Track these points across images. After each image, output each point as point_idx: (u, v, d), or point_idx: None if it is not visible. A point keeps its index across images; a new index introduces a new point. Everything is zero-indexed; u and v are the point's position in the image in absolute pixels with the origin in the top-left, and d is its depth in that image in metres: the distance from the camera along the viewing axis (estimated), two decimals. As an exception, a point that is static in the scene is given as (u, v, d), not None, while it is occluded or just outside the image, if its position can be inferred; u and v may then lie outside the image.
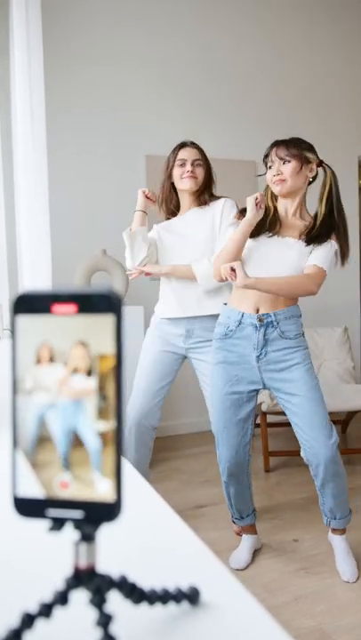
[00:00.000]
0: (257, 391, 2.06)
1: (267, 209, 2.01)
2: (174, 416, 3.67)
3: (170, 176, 2.26)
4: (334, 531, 2.10)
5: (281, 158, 1.94)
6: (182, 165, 2.23)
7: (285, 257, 1.95)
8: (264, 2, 4.06)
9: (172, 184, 2.27)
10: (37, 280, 2.46)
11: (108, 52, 3.63)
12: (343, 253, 1.99)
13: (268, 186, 2.03)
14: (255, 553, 2.23)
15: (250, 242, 2.00)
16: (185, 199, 2.29)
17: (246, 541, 2.20)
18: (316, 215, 1.99)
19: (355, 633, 1.73)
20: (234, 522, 2.23)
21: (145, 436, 2.28)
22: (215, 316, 2.21)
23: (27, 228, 2.50)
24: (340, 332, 3.65)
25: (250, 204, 1.92)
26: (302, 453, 1.99)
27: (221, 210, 2.27)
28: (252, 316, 1.96)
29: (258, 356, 1.97)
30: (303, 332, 2.04)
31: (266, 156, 2.00)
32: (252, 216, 1.93)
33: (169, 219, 2.34)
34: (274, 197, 2.04)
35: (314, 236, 1.94)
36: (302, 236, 1.96)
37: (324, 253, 1.95)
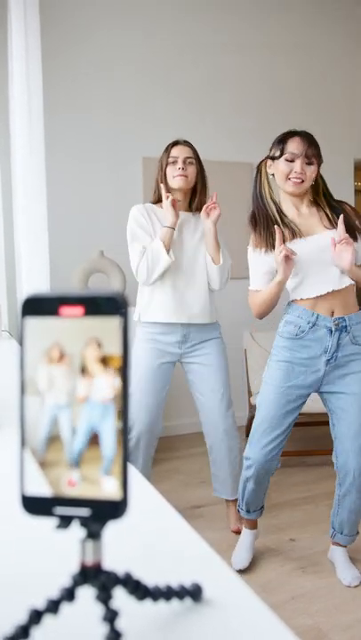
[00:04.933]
0: (307, 398, 2.00)
1: (277, 221, 1.91)
2: (171, 417, 3.67)
3: (165, 175, 2.26)
4: (336, 544, 2.10)
5: (307, 157, 1.87)
6: (174, 163, 2.23)
7: (329, 253, 1.87)
8: (261, 5, 4.08)
9: (167, 183, 2.27)
10: (35, 281, 2.46)
11: (106, 55, 3.64)
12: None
13: (262, 175, 1.96)
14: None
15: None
16: (178, 197, 2.29)
17: (246, 536, 2.19)
18: (319, 205, 1.96)
19: (351, 631, 1.75)
20: (239, 511, 2.21)
21: (151, 447, 2.32)
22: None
23: (25, 229, 2.50)
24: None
25: (279, 264, 1.82)
26: (333, 459, 1.99)
27: None
28: (327, 319, 1.89)
29: (328, 360, 1.90)
30: None
31: (283, 142, 1.89)
32: (285, 276, 1.85)
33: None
34: (269, 188, 1.96)
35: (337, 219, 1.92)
36: (327, 224, 1.91)
37: None
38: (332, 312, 1.89)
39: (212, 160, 3.85)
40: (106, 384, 0.40)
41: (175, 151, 2.25)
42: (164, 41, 3.80)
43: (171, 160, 2.24)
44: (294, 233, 1.90)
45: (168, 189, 2.26)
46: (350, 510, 1.99)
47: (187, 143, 2.29)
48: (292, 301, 1.97)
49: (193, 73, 3.89)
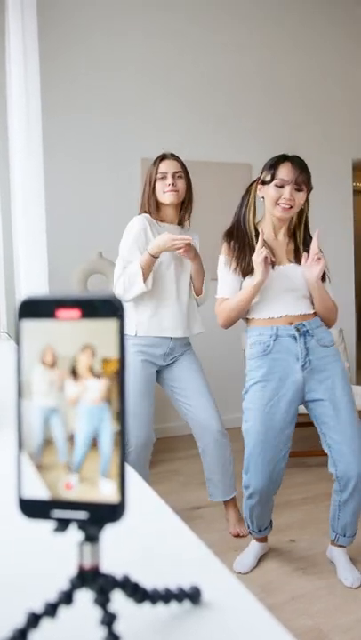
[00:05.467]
0: (296, 411, 2.00)
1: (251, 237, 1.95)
2: (171, 418, 3.67)
3: (153, 190, 2.28)
4: (334, 544, 2.10)
5: (297, 184, 1.89)
6: (163, 178, 2.24)
7: (295, 282, 1.95)
8: (260, 6, 4.08)
9: (156, 197, 2.29)
10: (33, 283, 2.46)
11: (105, 56, 3.64)
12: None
13: (250, 197, 1.99)
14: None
15: (248, 281, 1.95)
16: (168, 211, 2.31)
17: (254, 547, 2.19)
18: (295, 234, 2.02)
19: (351, 633, 1.74)
20: (250, 533, 2.19)
21: (148, 453, 2.32)
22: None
23: (23, 230, 2.50)
24: (335, 334, 3.66)
25: (258, 265, 1.84)
26: (331, 469, 1.94)
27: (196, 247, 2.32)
28: (287, 328, 1.93)
29: (303, 366, 1.92)
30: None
31: (274, 168, 1.91)
32: (263, 278, 1.86)
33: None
34: (253, 212, 1.99)
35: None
36: (292, 258, 1.98)
37: (329, 285, 2.01)
38: (291, 323, 1.95)
39: (211, 161, 3.86)
40: (99, 387, 0.40)
41: (164, 166, 2.26)
42: (163, 41, 3.80)
43: (160, 175, 2.25)
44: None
45: (156, 204, 2.27)
46: (353, 513, 1.99)
47: (174, 157, 2.30)
48: (249, 323, 2.03)
49: (192, 73, 3.89)
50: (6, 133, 2.98)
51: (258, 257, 1.84)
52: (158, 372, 2.36)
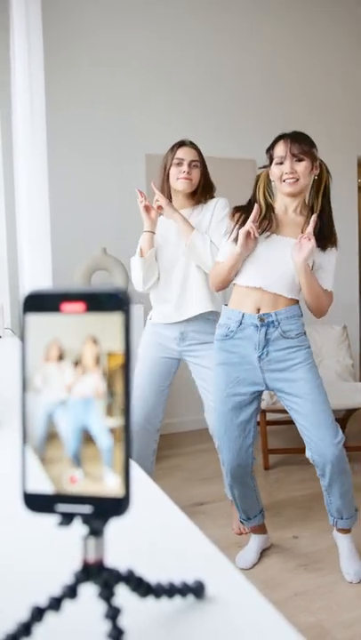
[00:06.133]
0: (259, 393, 2.03)
1: (262, 208, 1.94)
2: (175, 414, 3.68)
3: (168, 175, 2.26)
4: (339, 530, 2.09)
5: (295, 155, 1.88)
6: (179, 165, 2.22)
7: (286, 257, 1.92)
8: (262, 3, 4.06)
9: (169, 183, 2.27)
10: (37, 279, 2.46)
11: (108, 52, 3.63)
12: (335, 240, 2.00)
13: (260, 178, 2.00)
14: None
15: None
16: (178, 199, 2.28)
17: (254, 541, 2.20)
18: (312, 209, 1.96)
19: (354, 629, 1.75)
20: (242, 522, 2.21)
21: (149, 439, 2.30)
22: (207, 318, 2.26)
23: (27, 226, 2.50)
24: (340, 330, 3.66)
25: (241, 235, 1.87)
26: (308, 454, 1.96)
27: (213, 208, 2.27)
28: (252, 316, 1.93)
29: (259, 356, 1.94)
30: (305, 331, 2.00)
31: (271, 149, 1.94)
32: (241, 250, 1.89)
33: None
34: (268, 193, 1.99)
35: (319, 234, 1.92)
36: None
37: (331, 270, 1.97)
38: (258, 309, 1.94)
39: (214, 157, 3.85)
40: (97, 382, 0.40)
41: (181, 153, 2.23)
42: (165, 37, 3.79)
43: (176, 161, 2.22)
44: (269, 226, 1.92)
45: (169, 189, 2.26)
46: (341, 494, 1.98)
47: (192, 145, 2.27)
48: (231, 295, 2.04)
49: (195, 70, 3.88)
50: (11, 130, 2.98)
51: (244, 228, 1.87)
52: (185, 360, 2.33)
